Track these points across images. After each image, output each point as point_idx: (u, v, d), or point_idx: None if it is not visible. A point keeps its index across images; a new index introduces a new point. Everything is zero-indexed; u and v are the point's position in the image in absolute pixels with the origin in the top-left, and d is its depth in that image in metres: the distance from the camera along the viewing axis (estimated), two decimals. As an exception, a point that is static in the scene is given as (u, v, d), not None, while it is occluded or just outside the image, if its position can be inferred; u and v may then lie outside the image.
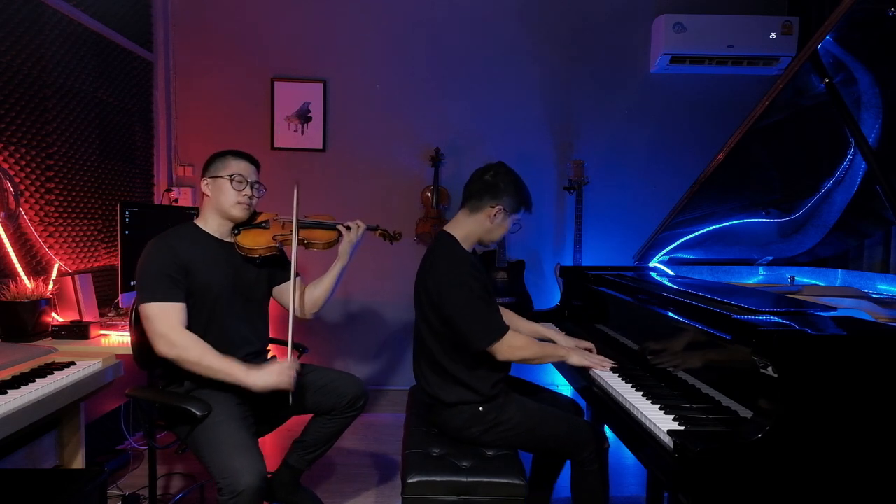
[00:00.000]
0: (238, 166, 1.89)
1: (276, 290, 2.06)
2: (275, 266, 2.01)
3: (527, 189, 1.92)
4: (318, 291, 2.05)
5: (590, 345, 2.05)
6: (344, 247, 2.02)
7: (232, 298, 1.87)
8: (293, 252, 1.91)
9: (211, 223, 1.91)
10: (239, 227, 1.93)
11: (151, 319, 1.72)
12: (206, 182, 1.89)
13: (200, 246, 1.85)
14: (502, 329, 1.77)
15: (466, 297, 1.75)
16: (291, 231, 1.92)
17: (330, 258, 2.08)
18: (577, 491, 1.89)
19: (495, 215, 1.85)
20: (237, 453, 1.62)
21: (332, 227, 2.04)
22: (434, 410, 1.91)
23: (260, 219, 1.98)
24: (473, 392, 1.82)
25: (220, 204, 1.87)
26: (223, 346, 1.85)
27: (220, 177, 1.86)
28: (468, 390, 1.82)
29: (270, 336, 2.21)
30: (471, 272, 1.78)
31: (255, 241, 1.90)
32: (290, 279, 1.95)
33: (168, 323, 1.71)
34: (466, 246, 1.88)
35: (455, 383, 1.83)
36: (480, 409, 1.83)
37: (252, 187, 1.90)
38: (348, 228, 2.02)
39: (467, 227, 1.88)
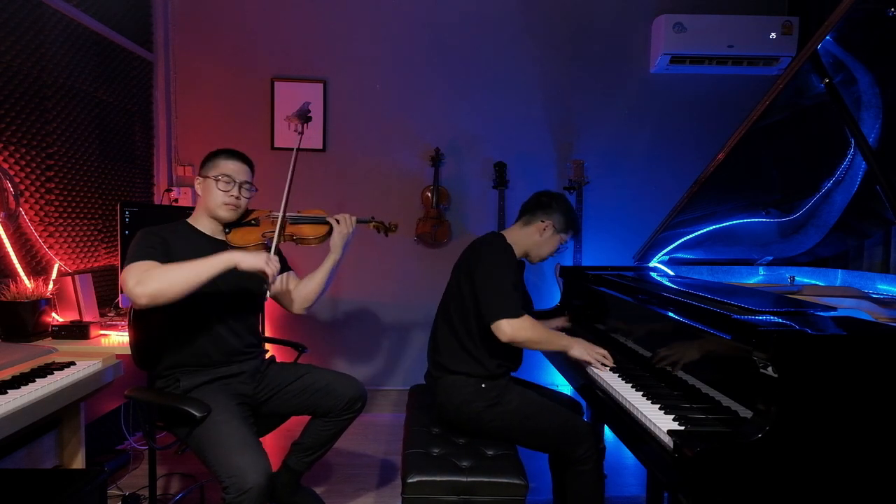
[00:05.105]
0: (227, 166, 1.86)
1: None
2: None
3: (576, 215, 2.13)
4: (311, 286, 2.03)
5: (563, 322, 2.28)
6: (335, 240, 1.99)
7: (222, 295, 1.86)
8: (275, 238, 1.88)
9: (202, 222, 1.91)
10: (230, 225, 1.93)
11: (126, 273, 1.64)
12: (198, 181, 1.89)
13: (190, 241, 1.84)
14: (518, 312, 1.81)
15: (501, 274, 1.86)
16: (280, 234, 1.91)
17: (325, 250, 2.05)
18: (571, 489, 1.89)
19: (545, 230, 2.03)
20: (241, 451, 1.61)
21: (321, 221, 2.01)
22: (437, 385, 1.96)
23: (251, 216, 1.98)
24: (479, 365, 1.91)
25: (208, 204, 1.87)
26: (214, 343, 1.86)
27: (209, 177, 1.86)
28: (474, 361, 1.91)
29: (271, 336, 2.20)
30: (515, 263, 1.94)
31: (244, 239, 1.90)
32: (283, 272, 2.01)
33: (140, 269, 1.63)
34: (515, 251, 2.00)
35: (464, 352, 1.92)
36: (483, 385, 1.89)
37: (240, 188, 1.87)
38: (338, 222, 1.99)
39: (517, 237, 2.04)
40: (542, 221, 2.02)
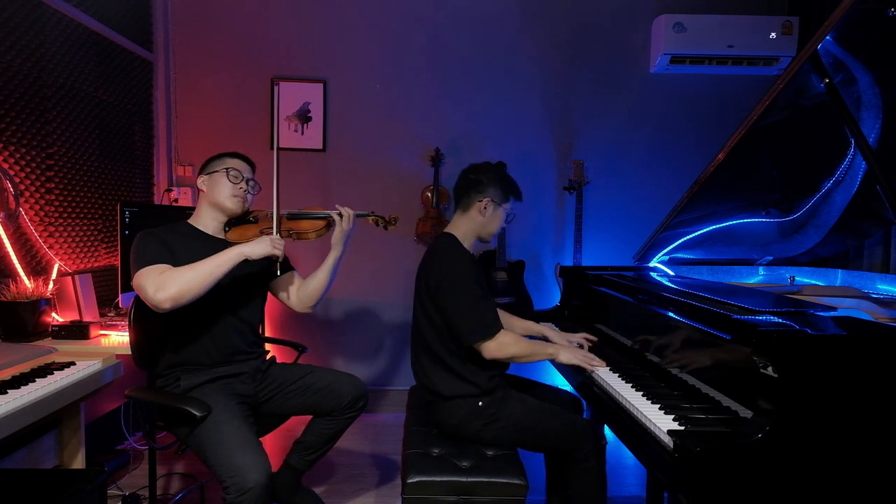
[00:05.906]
0: (234, 163, 1.93)
1: (273, 284, 2.06)
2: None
3: (511, 179, 1.99)
4: (314, 284, 2.03)
5: (581, 339, 2.09)
6: (336, 236, 1.98)
7: (223, 294, 1.86)
8: (273, 226, 1.90)
9: (204, 219, 1.92)
10: (229, 224, 1.94)
11: (141, 280, 1.66)
12: (202, 179, 1.92)
13: (190, 241, 1.85)
14: (496, 326, 1.79)
15: (465, 291, 1.79)
16: (278, 221, 1.92)
17: (327, 248, 2.05)
18: (574, 488, 1.89)
19: (485, 208, 1.93)
20: (242, 451, 1.61)
21: (319, 216, 2.02)
22: (433, 407, 1.92)
23: (250, 215, 2.00)
24: (471, 385, 1.84)
25: (216, 197, 1.89)
26: (215, 340, 1.86)
27: (217, 171, 1.89)
28: (466, 383, 1.84)
29: (271, 336, 2.20)
30: (471, 269, 1.84)
31: (243, 236, 1.91)
32: (285, 272, 2.02)
33: (154, 274, 1.66)
34: (466, 244, 1.95)
35: (453, 375, 1.85)
36: (480, 403, 1.84)
37: (247, 182, 1.93)
38: (340, 216, 1.98)
39: (463, 226, 1.96)
40: (480, 201, 1.92)
